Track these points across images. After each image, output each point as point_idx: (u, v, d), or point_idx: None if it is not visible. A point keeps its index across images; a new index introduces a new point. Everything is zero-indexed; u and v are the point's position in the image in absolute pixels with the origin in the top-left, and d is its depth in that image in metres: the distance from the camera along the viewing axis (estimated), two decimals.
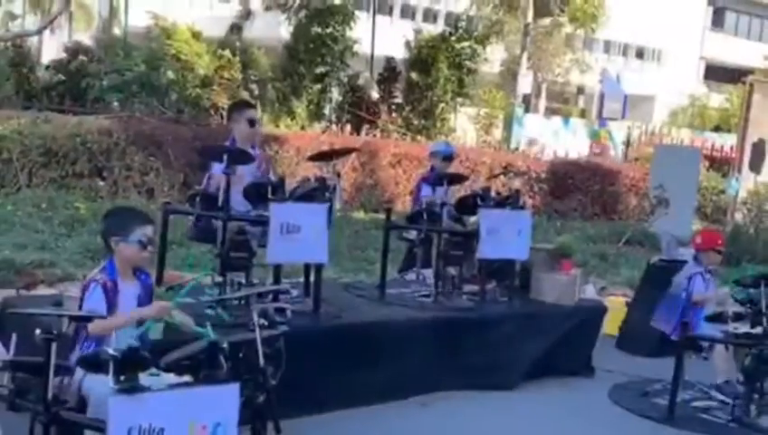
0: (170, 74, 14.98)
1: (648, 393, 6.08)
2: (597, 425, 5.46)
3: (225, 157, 4.92)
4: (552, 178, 15.06)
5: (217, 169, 5.16)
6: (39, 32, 18.55)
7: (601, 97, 35.53)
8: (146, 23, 16.99)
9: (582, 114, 35.72)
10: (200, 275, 5.85)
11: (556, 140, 23.56)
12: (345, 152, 6.04)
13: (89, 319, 3.38)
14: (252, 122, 5.67)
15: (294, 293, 5.62)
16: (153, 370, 3.40)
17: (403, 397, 5.31)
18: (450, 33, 17.49)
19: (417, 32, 17.98)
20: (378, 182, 13.19)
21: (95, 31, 23.12)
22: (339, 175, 5.40)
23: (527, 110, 26.57)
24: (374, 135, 15.40)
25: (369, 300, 6.02)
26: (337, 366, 4.90)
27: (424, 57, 17.32)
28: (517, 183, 14.26)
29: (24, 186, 10.81)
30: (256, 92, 16.48)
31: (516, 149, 18.70)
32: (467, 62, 17.46)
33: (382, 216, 8.22)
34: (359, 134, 15.11)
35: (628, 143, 23.46)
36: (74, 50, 16.63)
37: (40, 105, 14.30)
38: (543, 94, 34.10)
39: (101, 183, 11.31)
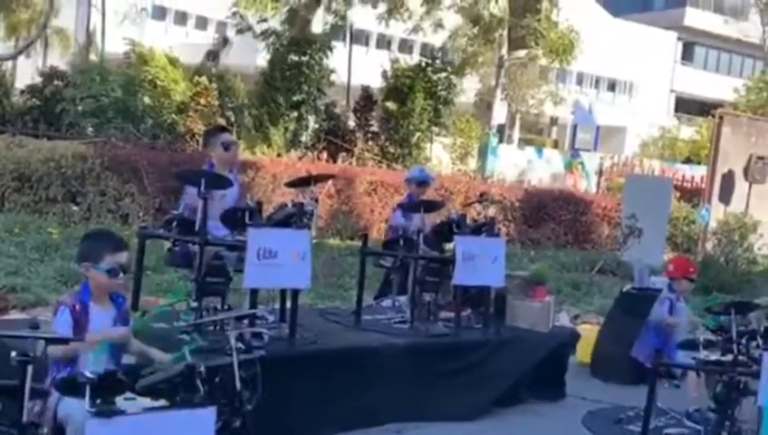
0: (147, 100, 14.98)
1: (621, 420, 6.11)
2: None
3: (201, 181, 4.93)
4: (527, 207, 15.21)
5: (193, 192, 5.16)
6: (14, 56, 18.46)
7: (574, 128, 36.09)
8: (122, 49, 17.01)
9: (555, 145, 36.18)
10: (175, 301, 5.84)
11: (531, 169, 23.86)
12: (323, 178, 6.06)
13: (64, 341, 3.36)
14: (227, 146, 5.70)
15: (270, 319, 5.61)
16: (128, 394, 3.39)
17: (378, 423, 5.29)
18: (427, 64, 17.72)
19: (394, 61, 18.18)
20: (353, 209, 13.25)
21: (71, 56, 23.04)
22: (316, 200, 5.43)
23: (501, 140, 26.87)
24: (350, 163, 15.48)
25: (344, 326, 6.02)
26: (312, 392, 4.89)
27: (400, 87, 17.50)
28: (492, 211, 14.39)
29: None
30: (233, 119, 16.51)
31: (490, 177, 18.89)
32: (443, 93, 17.66)
33: (358, 243, 8.27)
34: (335, 162, 15.18)
35: (600, 173, 23.78)
36: (49, 75, 16.59)
37: (14, 129, 14.20)
38: (517, 125, 34.49)
39: (75, 208, 11.24)
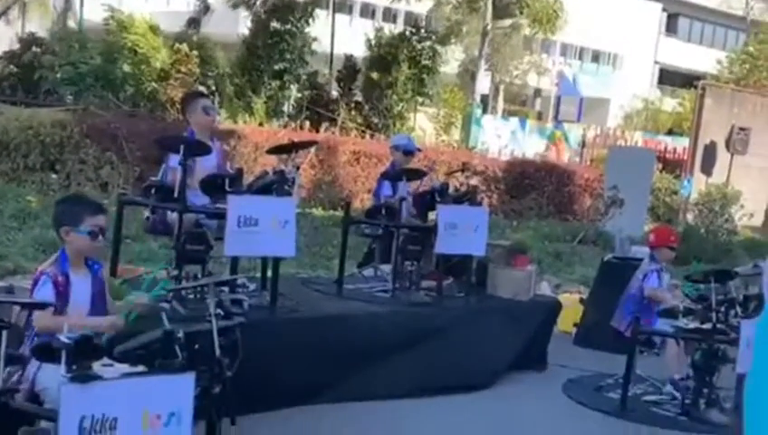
0: (126, 68, 14.77)
1: (601, 388, 6.17)
2: (550, 418, 5.53)
3: (181, 148, 4.87)
4: (509, 178, 15.20)
5: (174, 160, 5.10)
6: None
7: (558, 99, 36.05)
8: (101, 16, 16.71)
9: (539, 116, 36.14)
10: (156, 269, 5.80)
11: (514, 140, 23.82)
12: (304, 145, 6.00)
13: (42, 306, 3.31)
14: (206, 111, 5.63)
15: (251, 287, 5.58)
16: (106, 360, 3.36)
17: (360, 392, 5.27)
18: (411, 33, 17.55)
19: (378, 30, 18.00)
20: (336, 179, 13.17)
21: (50, 23, 22.66)
22: (298, 168, 5.38)
23: (485, 111, 26.80)
24: (333, 132, 15.38)
25: (326, 295, 6.01)
26: (293, 359, 4.87)
27: (384, 56, 17.35)
28: (475, 181, 14.38)
29: None
30: (214, 87, 16.32)
31: (473, 148, 18.84)
32: (427, 62, 17.53)
33: (340, 213, 8.19)
34: (318, 131, 15.07)
35: (583, 144, 23.81)
36: (28, 41, 16.31)
37: None
38: (501, 96, 34.39)
39: (54, 176, 11.10)
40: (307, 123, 15.53)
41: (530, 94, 39.63)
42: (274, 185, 5.11)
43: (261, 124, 15.66)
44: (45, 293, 3.51)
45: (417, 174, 6.34)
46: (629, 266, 6.85)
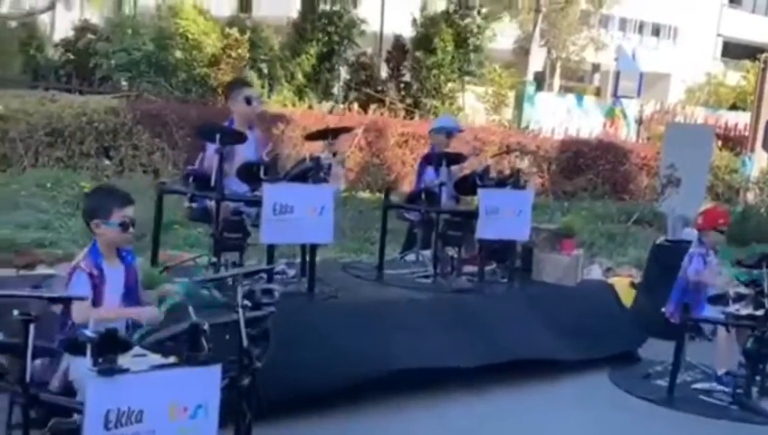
0: (178, 54, 14.94)
1: (649, 375, 6.02)
2: (595, 407, 5.41)
3: (217, 137, 4.88)
4: (563, 158, 14.91)
5: (211, 149, 5.11)
6: (47, 10, 18.51)
7: (616, 75, 35.16)
8: (154, 2, 16.93)
9: (597, 93, 35.35)
10: (200, 256, 5.86)
11: (570, 118, 23.31)
12: (341, 131, 5.95)
13: (68, 301, 3.35)
14: (248, 100, 5.62)
15: (291, 273, 5.59)
16: (139, 350, 3.39)
17: (396, 381, 5.03)
18: (455, 11, 17.24)
19: (423, 9, 17.78)
20: (384, 162, 13.12)
21: (106, 9, 23.05)
22: (335, 154, 5.35)
23: (540, 88, 26.30)
24: (381, 114, 15.31)
25: (366, 280, 5.98)
26: (330, 348, 4.81)
27: (429, 35, 17.14)
28: (525, 162, 14.17)
29: (29, 166, 10.82)
30: (265, 71, 16.39)
31: (526, 127, 18.53)
32: (473, 40, 17.24)
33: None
34: (366, 113, 15.01)
35: (640, 121, 23.20)
36: (82, 28, 16.61)
37: (47, 84, 14.29)
38: (558, 72, 33.74)
39: (107, 162, 11.32)
40: (356, 105, 15.47)
41: (588, 70, 38.81)
42: (310, 172, 5.08)
43: (310, 107, 15.68)
44: (81, 287, 3.55)
45: (456, 158, 6.24)
46: (681, 250, 6.61)
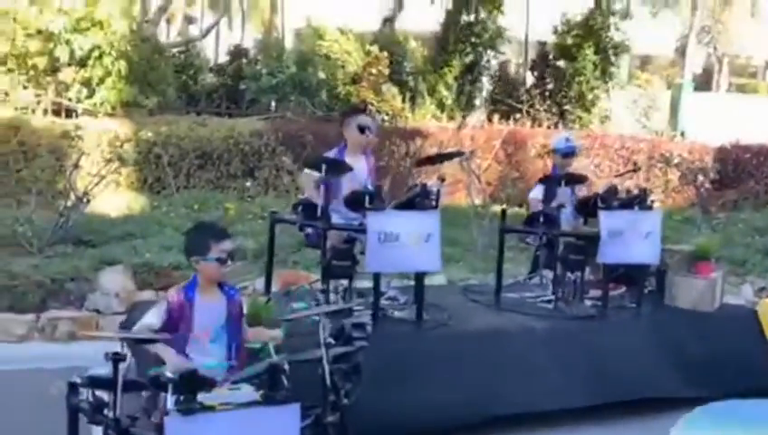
0: (321, 74, 15.34)
1: None
2: None
3: (323, 168, 4.95)
4: (720, 167, 13.93)
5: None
6: (202, 37, 19.60)
7: None
8: (301, 24, 17.48)
9: None
10: (312, 282, 5.95)
11: (736, 120, 21.76)
12: (452, 156, 5.88)
13: (148, 342, 3.49)
14: (362, 129, 5.66)
15: (402, 299, 5.56)
16: (231, 384, 3.49)
17: (510, 423, 4.81)
18: (597, 15, 16.57)
19: (564, 15, 17.23)
20: (524, 175, 12.81)
21: (259, 34, 24.13)
22: (443, 180, 5.27)
23: (702, 88, 24.81)
24: (523, 124, 14.98)
25: (482, 305, 5.85)
26: (435, 382, 4.68)
27: (568, 42, 16.61)
28: (674, 175, 13.40)
29: (180, 187, 11.44)
30: (411, 84, 16.48)
31: (682, 134, 17.49)
32: (616, 42, 16.54)
33: (525, 211, 7.78)
34: (508, 123, 14.72)
35: None
36: (234, 53, 17.42)
37: (198, 109, 15.08)
38: (725, 70, 31.79)
39: (249, 184, 11.76)
40: (496, 117, 15.23)
41: (761, 66, 36.32)
42: (417, 199, 5.05)
43: (452, 119, 15.59)
44: (153, 318, 3.73)
45: (575, 179, 5.98)
46: None
